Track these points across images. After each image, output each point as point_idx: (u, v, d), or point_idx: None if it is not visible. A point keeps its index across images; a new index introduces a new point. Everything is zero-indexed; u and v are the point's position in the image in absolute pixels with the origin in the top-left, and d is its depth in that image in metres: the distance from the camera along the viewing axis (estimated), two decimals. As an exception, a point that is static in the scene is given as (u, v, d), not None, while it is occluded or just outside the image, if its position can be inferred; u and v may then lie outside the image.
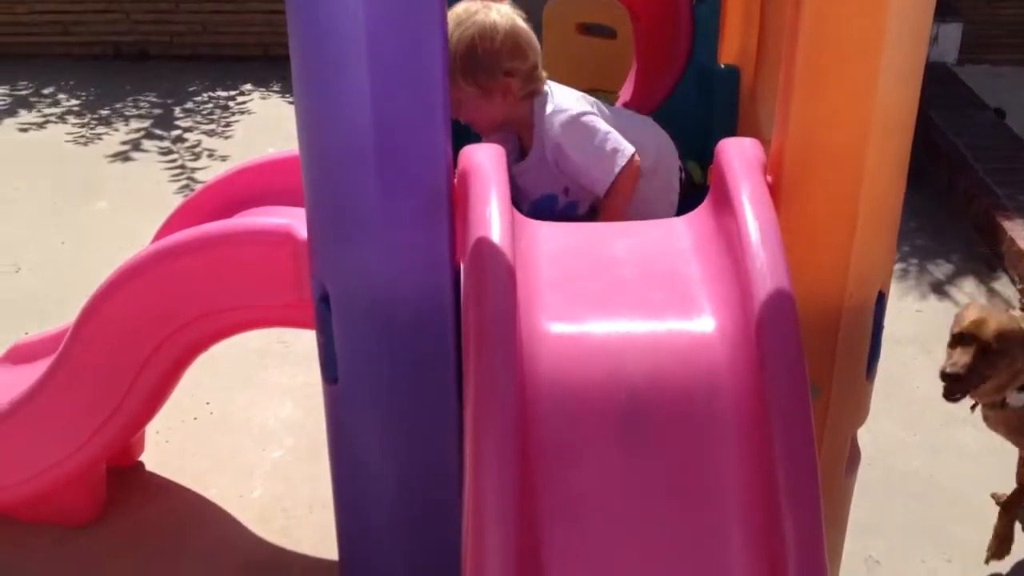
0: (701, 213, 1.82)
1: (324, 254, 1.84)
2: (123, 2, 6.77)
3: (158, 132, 5.38)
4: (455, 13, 2.11)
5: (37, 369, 2.51)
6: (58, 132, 5.36)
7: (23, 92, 6.01)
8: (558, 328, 1.57)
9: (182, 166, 4.89)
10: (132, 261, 2.06)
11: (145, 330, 2.11)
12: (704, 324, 1.58)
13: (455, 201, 1.76)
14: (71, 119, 5.55)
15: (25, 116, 5.63)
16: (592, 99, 2.30)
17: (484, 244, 1.55)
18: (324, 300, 1.85)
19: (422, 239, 1.76)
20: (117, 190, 4.57)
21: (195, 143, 5.23)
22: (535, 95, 2.22)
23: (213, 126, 5.51)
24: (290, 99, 5.93)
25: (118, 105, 5.80)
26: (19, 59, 6.64)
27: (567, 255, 1.76)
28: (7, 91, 6.01)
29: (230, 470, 2.67)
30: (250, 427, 2.85)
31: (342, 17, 1.59)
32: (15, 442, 2.25)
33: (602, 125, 2.17)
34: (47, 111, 5.69)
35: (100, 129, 5.39)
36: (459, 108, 2.16)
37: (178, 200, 4.35)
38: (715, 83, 2.74)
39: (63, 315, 3.30)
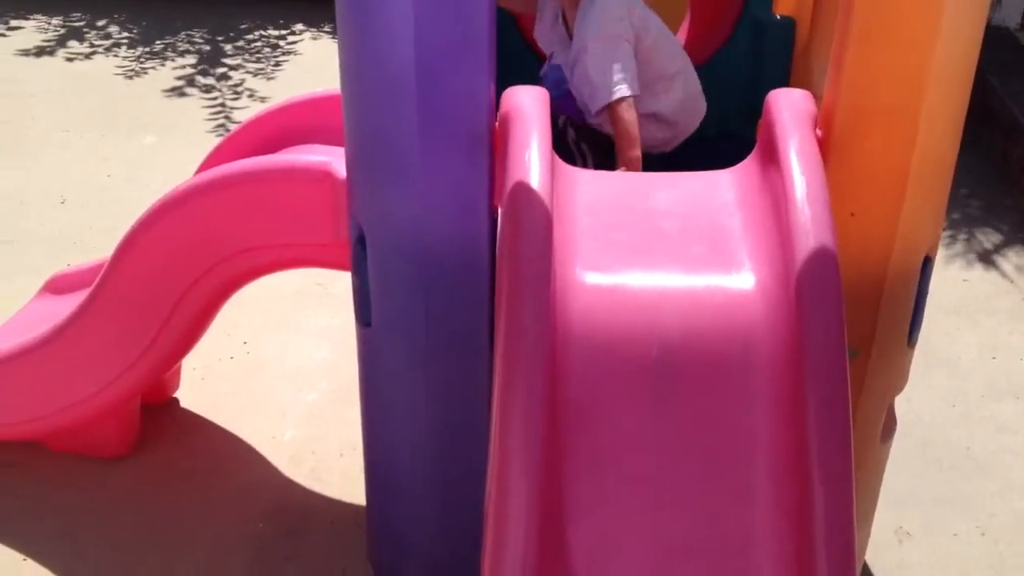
0: (747, 166, 1.78)
1: (361, 194, 1.82)
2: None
3: (206, 68, 5.38)
4: None
5: (76, 300, 2.54)
6: (107, 65, 5.37)
7: (77, 24, 6.03)
8: (592, 278, 1.54)
9: (223, 104, 4.87)
10: (170, 195, 2.06)
11: (182, 264, 2.11)
12: (743, 280, 1.54)
13: (495, 143, 1.73)
14: (121, 52, 5.56)
15: (76, 47, 5.64)
16: (640, 12, 2.29)
17: (522, 190, 1.53)
18: (360, 241, 1.83)
19: (460, 181, 1.73)
20: (164, 125, 4.58)
21: (239, 82, 5.21)
22: None
23: (261, 65, 5.49)
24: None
25: (168, 39, 5.80)
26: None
27: (606, 204, 1.72)
28: (61, 22, 6.03)
29: (264, 411, 2.69)
30: (285, 368, 2.86)
31: None
32: (50, 372, 2.27)
33: (622, 55, 2.20)
34: (97, 43, 5.70)
35: (149, 64, 5.39)
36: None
37: (217, 138, 4.39)
38: (769, 34, 2.67)
39: (105, 248, 3.32)
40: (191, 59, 5.50)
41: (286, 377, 2.83)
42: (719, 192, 1.76)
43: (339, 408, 2.68)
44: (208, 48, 5.71)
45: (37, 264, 3.22)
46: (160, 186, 3.77)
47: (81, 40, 5.75)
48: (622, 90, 2.18)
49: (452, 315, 1.82)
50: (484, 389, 1.85)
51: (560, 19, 2.42)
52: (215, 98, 4.95)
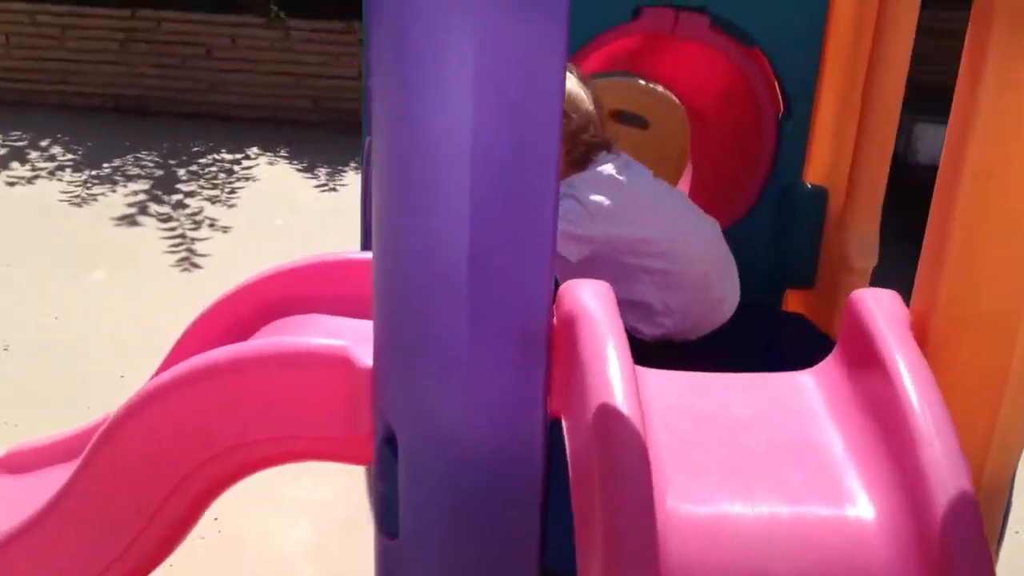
0: (830, 370, 1.59)
1: (393, 390, 1.59)
2: (127, 54, 6.56)
3: (159, 195, 5.13)
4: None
5: (37, 484, 2.25)
6: (50, 190, 5.10)
7: (17, 144, 5.75)
8: (688, 511, 1.33)
9: (183, 235, 4.62)
10: (158, 381, 1.80)
11: (168, 460, 1.83)
12: (858, 513, 1.34)
13: (554, 343, 1.52)
14: (65, 176, 5.30)
15: (17, 169, 5.36)
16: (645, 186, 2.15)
17: (611, 411, 1.32)
18: (389, 442, 1.60)
19: (513, 381, 1.52)
20: (115, 259, 4.28)
21: (197, 210, 4.97)
22: (591, 159, 2.06)
23: (217, 192, 5.26)
24: (298, 165, 5.76)
25: (116, 162, 5.56)
26: (12, 107, 6.40)
27: (680, 413, 1.52)
28: (0, 140, 5.76)
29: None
30: (262, 551, 2.56)
31: (450, 131, 1.36)
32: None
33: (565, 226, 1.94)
34: (40, 165, 5.43)
35: (96, 189, 5.13)
36: None
37: (178, 273, 4.13)
38: (798, 205, 2.50)
39: (57, 403, 3.04)
40: (143, 184, 5.26)
41: (262, 561, 2.53)
42: (803, 398, 1.57)
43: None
44: (160, 172, 5.48)
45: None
46: (112, 330, 3.53)
47: (23, 162, 5.48)
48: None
49: (495, 534, 1.58)
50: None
51: None
52: (173, 228, 4.69)
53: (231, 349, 1.80)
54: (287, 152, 6.07)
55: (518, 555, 1.60)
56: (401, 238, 1.49)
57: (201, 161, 5.76)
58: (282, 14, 6.42)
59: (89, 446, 1.87)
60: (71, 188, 5.12)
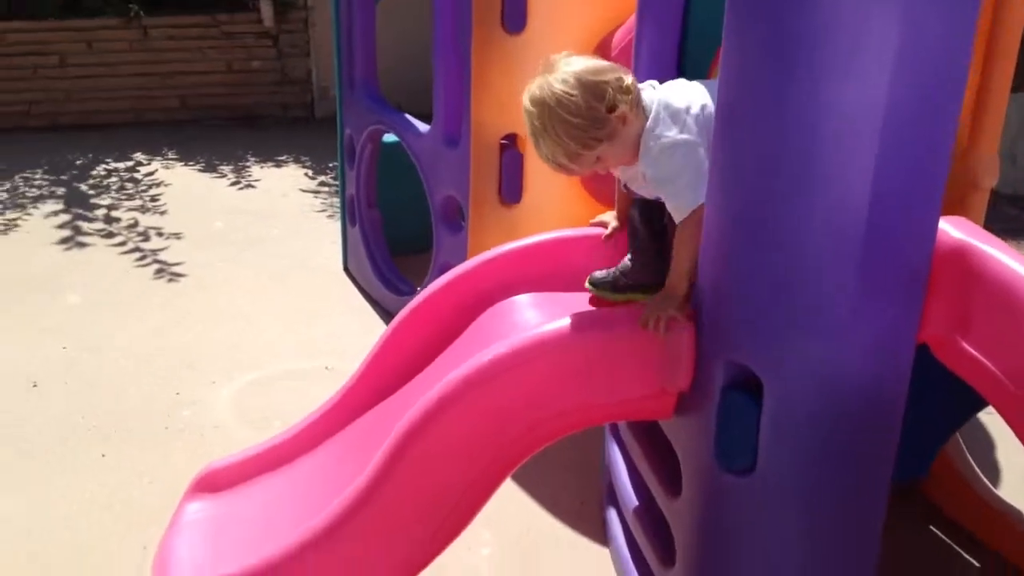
0: None
1: (764, 341, 1.70)
2: (-33, 71, 6.12)
3: (81, 213, 4.87)
4: (527, 110, 2.03)
5: (252, 495, 2.25)
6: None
7: None
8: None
9: (138, 248, 4.44)
10: (471, 370, 1.87)
11: (484, 440, 1.91)
12: None
13: (935, 277, 1.66)
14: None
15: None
16: (700, 103, 2.07)
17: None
18: (732, 387, 1.77)
19: (890, 322, 1.65)
20: (78, 282, 4.07)
21: (131, 222, 4.77)
22: (639, 101, 2.12)
23: (139, 202, 5.05)
24: (195, 166, 5.57)
25: (7, 185, 5.20)
26: None
27: None
28: None
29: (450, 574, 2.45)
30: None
31: (862, 110, 1.52)
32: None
33: (692, 160, 2.00)
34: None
35: (11, 215, 4.81)
36: (605, 165, 2.10)
37: (165, 284, 4.00)
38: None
39: (110, 428, 2.96)
40: (53, 204, 4.96)
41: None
42: None
43: (518, 563, 2.50)
44: (63, 190, 5.18)
45: (75, 461, 2.81)
46: (126, 347, 3.40)
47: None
48: (697, 199, 1.98)
49: (858, 461, 1.73)
50: (875, 540, 1.81)
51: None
52: (122, 242, 4.49)
53: (552, 327, 1.88)
54: (175, 154, 5.87)
55: (876, 479, 1.76)
56: (787, 206, 1.60)
57: (94, 173, 5.48)
58: (141, 12, 6.16)
59: (396, 437, 1.90)
60: (-17, 219, 4.79)
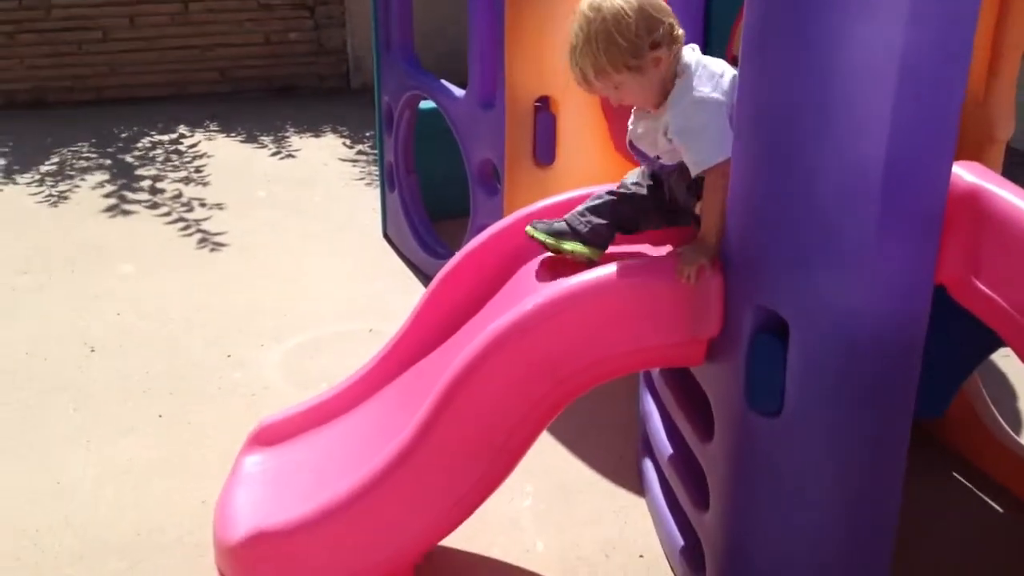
0: None
1: (788, 285, 1.78)
2: (15, 47, 6.25)
3: (128, 184, 5.01)
4: (582, 12, 2.11)
5: (305, 449, 2.35)
6: (14, 194, 4.88)
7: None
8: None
9: (182, 219, 4.57)
10: (516, 318, 1.95)
11: (521, 391, 2.00)
12: None
13: (950, 219, 1.73)
14: (14, 178, 5.08)
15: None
16: (732, 73, 2.13)
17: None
18: (762, 330, 1.84)
19: (909, 263, 1.73)
20: (129, 250, 4.20)
21: (176, 192, 4.90)
22: (679, 55, 2.19)
23: (183, 172, 5.18)
24: (237, 137, 5.68)
25: (55, 159, 5.35)
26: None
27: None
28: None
29: (492, 524, 2.56)
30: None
31: (879, 54, 1.58)
32: (362, 531, 2.09)
33: (719, 118, 2.07)
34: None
35: (62, 187, 4.95)
36: (620, 96, 2.17)
37: (208, 254, 4.12)
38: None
39: (158, 391, 3.09)
40: (100, 176, 5.10)
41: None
42: None
43: (560, 508, 2.60)
44: (109, 162, 5.32)
45: (139, 416, 2.94)
46: (176, 312, 3.52)
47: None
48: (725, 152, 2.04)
49: (880, 400, 1.81)
50: (898, 477, 1.89)
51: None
52: (168, 213, 4.62)
53: (583, 279, 1.96)
54: (217, 125, 5.99)
55: (897, 417, 1.84)
56: (811, 151, 1.67)
57: (139, 145, 5.61)
58: (182, -13, 6.27)
59: (443, 386, 1.99)
60: (34, 189, 4.93)
